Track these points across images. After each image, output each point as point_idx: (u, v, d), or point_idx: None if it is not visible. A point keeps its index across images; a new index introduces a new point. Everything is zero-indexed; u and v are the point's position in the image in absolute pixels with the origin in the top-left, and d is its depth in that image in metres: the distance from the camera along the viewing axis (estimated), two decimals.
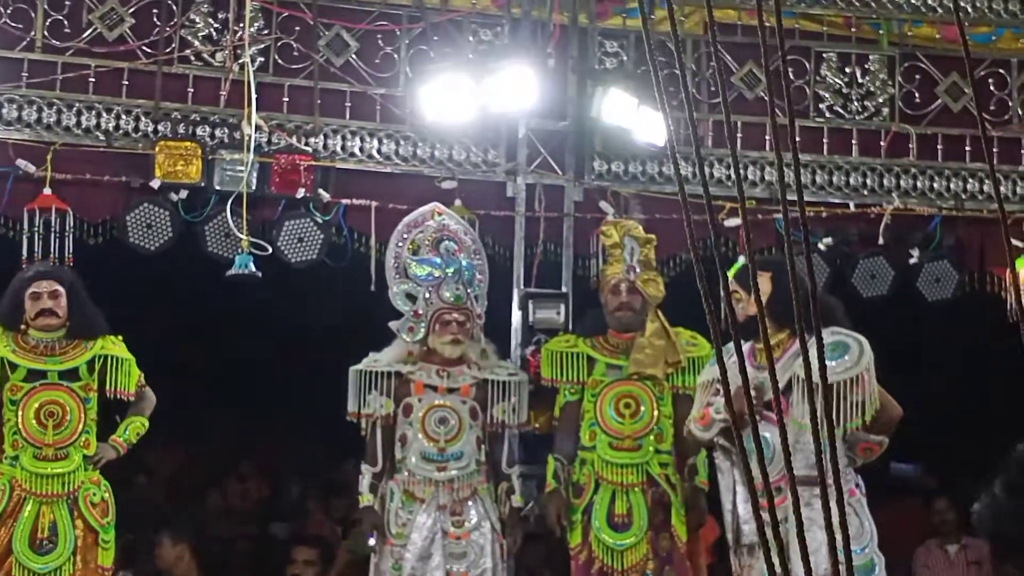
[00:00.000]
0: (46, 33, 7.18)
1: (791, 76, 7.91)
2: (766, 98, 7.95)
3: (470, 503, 6.53)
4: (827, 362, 5.83)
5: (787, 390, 5.66)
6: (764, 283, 5.71)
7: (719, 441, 6.13)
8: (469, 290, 6.69)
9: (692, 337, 6.86)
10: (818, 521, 5.95)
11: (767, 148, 7.87)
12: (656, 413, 6.74)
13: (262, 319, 8.73)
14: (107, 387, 6.36)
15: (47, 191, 6.97)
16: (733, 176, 7.81)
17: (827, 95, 8.09)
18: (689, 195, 2.03)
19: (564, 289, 7.62)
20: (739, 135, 7.79)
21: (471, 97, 7.17)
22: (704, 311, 1.99)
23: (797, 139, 2.05)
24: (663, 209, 7.67)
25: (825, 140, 8.03)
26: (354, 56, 7.59)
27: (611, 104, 7.37)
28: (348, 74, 7.56)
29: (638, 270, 6.88)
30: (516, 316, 7.54)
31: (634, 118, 7.37)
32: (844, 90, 8.12)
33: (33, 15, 7.16)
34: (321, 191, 7.31)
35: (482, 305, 6.77)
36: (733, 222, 7.51)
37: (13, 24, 7.13)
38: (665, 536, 6.70)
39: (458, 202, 7.48)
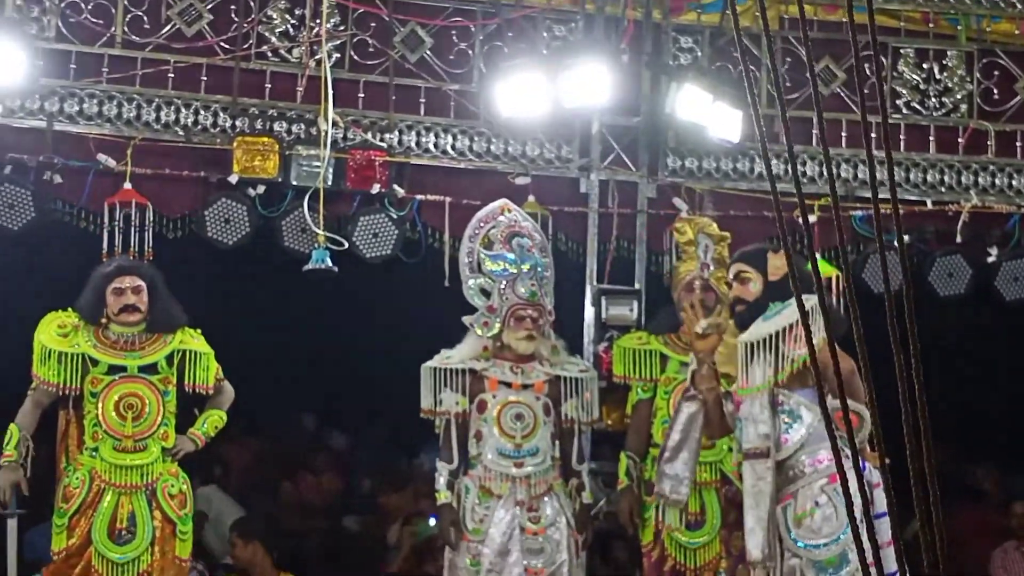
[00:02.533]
0: (126, 29, 7.27)
1: (867, 72, 7.84)
2: (842, 94, 7.89)
3: (546, 499, 6.52)
4: (764, 323, 5.68)
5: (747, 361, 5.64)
6: (778, 260, 5.68)
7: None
8: (541, 286, 6.69)
9: None
10: (769, 494, 5.73)
11: (843, 144, 7.81)
12: None
13: (337, 313, 8.79)
14: (186, 381, 6.42)
15: (127, 186, 7.06)
16: (812, 173, 7.75)
17: (904, 91, 8.02)
18: (767, 192, 2.02)
19: (637, 286, 7.62)
20: (814, 131, 7.74)
21: (545, 93, 7.17)
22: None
23: (872, 135, 2.03)
24: (737, 206, 7.64)
25: (902, 137, 7.96)
26: (429, 52, 7.62)
27: (685, 100, 7.34)
28: (423, 70, 7.60)
29: (712, 267, 6.84)
30: (589, 312, 7.55)
31: (708, 114, 7.34)
32: (922, 86, 8.04)
33: (113, 11, 7.26)
34: (396, 187, 7.36)
35: (551, 301, 6.77)
36: (810, 218, 7.45)
37: (94, 20, 7.23)
38: (738, 535, 6.64)
39: (531, 198, 7.50)
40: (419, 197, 7.44)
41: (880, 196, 2.17)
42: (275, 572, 7.32)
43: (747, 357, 5.57)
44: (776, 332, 5.49)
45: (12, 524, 6.41)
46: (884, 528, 5.40)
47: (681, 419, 5.85)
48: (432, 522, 7.24)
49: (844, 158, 7.83)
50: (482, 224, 6.73)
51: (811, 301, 5.33)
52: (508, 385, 6.60)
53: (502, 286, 6.61)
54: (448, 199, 7.43)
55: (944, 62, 8.09)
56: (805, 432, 5.49)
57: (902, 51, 8.05)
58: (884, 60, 7.98)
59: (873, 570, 2.06)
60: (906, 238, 7.68)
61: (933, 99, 8.04)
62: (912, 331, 1.85)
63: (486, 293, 6.64)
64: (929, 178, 7.94)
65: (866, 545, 1.85)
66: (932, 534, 1.83)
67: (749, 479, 5.60)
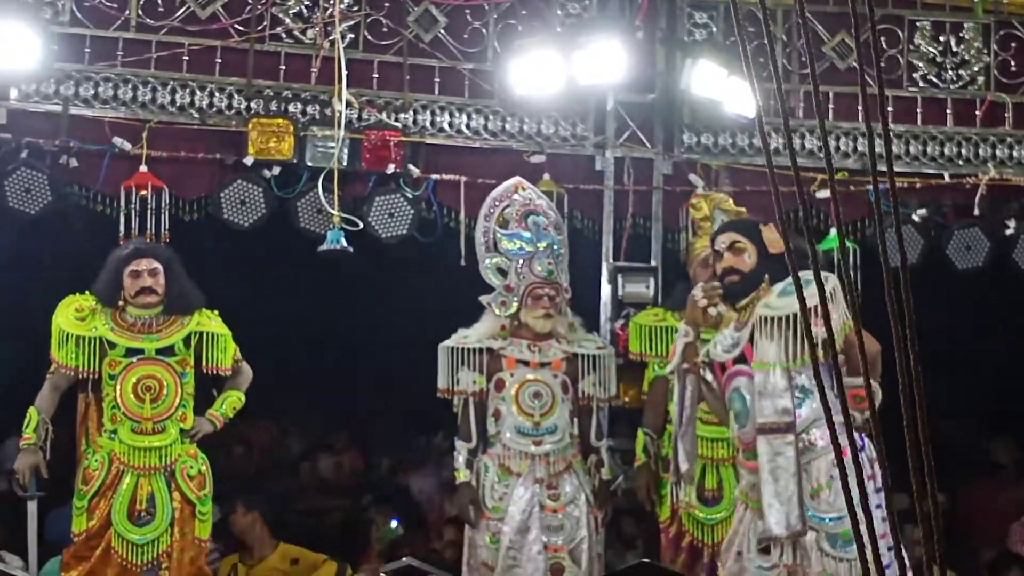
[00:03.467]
0: (140, 12, 7.29)
1: (884, 45, 7.81)
2: (857, 68, 7.85)
3: (565, 476, 6.54)
4: (784, 298, 5.55)
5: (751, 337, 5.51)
6: (770, 233, 5.57)
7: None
8: (557, 264, 6.69)
9: None
10: (790, 470, 5.63)
11: (859, 119, 7.78)
12: None
13: (353, 293, 8.81)
14: (203, 362, 6.45)
15: (143, 169, 7.08)
16: (830, 147, 7.72)
17: (921, 64, 7.97)
18: (778, 167, 2.02)
19: (653, 263, 7.61)
20: (831, 106, 7.72)
21: (559, 71, 7.17)
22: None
23: (889, 109, 2.03)
24: (753, 181, 7.62)
25: (919, 110, 7.92)
26: (443, 31, 7.61)
27: (700, 76, 7.32)
28: (437, 49, 7.59)
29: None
30: (605, 290, 7.55)
31: (723, 90, 7.31)
32: (938, 59, 8.00)
33: None
34: (411, 166, 7.36)
35: (567, 279, 6.77)
36: (824, 194, 7.43)
37: (108, 4, 7.24)
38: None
39: (547, 176, 7.50)
40: (434, 176, 7.45)
41: (899, 171, 2.17)
42: (273, 542, 7.41)
43: (762, 329, 5.49)
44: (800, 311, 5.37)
45: (32, 507, 6.46)
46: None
47: (688, 393, 5.80)
48: (394, 524, 7.39)
49: (860, 132, 7.79)
50: (497, 203, 6.72)
51: (831, 279, 5.29)
52: (526, 363, 6.62)
53: (519, 265, 6.62)
54: (463, 178, 7.44)
55: (961, 34, 8.04)
56: (817, 406, 5.41)
57: (918, 24, 8.00)
58: (900, 33, 7.94)
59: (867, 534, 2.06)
60: (924, 211, 7.66)
61: (950, 72, 8.00)
62: (908, 303, 1.85)
63: (503, 272, 6.64)
64: (946, 151, 7.90)
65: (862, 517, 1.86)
66: (928, 508, 1.83)
67: (765, 455, 5.51)
